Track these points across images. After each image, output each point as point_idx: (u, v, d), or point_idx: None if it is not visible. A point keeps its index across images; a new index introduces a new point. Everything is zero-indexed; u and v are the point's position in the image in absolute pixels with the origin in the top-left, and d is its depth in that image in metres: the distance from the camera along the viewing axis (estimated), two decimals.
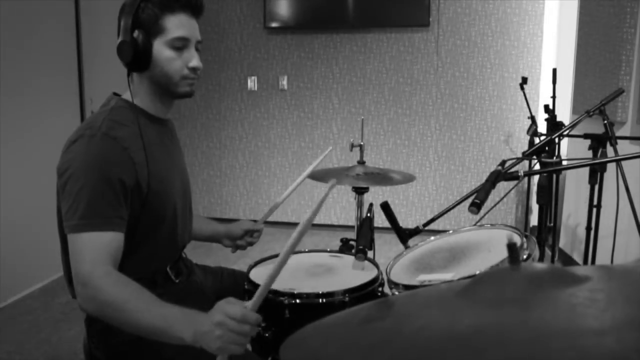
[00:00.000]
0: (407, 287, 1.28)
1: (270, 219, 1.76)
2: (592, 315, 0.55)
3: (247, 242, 1.70)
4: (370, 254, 1.45)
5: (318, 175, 1.96)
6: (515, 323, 0.54)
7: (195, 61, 1.32)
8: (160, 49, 1.29)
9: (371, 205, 1.54)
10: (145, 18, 1.27)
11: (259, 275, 1.52)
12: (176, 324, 1.06)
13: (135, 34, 1.27)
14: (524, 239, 1.30)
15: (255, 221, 1.72)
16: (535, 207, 3.98)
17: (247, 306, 1.05)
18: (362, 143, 2.07)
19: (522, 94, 3.56)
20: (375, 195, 4.37)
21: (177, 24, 1.28)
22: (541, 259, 2.93)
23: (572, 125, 1.88)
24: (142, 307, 1.10)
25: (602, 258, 2.52)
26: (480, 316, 0.57)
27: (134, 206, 1.27)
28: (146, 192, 1.28)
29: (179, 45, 1.29)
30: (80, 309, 1.17)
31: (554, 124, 3.06)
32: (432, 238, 1.57)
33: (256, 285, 1.44)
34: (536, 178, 3.76)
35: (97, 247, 1.17)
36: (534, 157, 1.74)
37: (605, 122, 2.07)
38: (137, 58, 1.28)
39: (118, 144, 1.23)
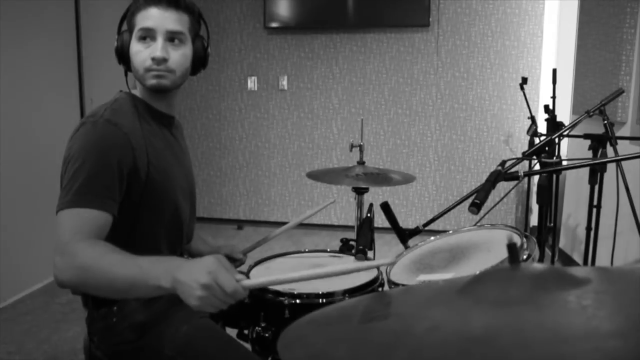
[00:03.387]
0: None
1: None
2: (607, 318, 0.55)
3: None
4: (370, 254, 1.45)
5: (318, 175, 1.96)
6: (532, 324, 0.54)
7: (155, 51, 1.28)
8: (133, 45, 1.32)
9: (371, 205, 1.53)
10: (127, 20, 1.34)
11: (259, 275, 1.52)
12: (152, 271, 1.03)
13: (124, 35, 1.34)
14: (524, 239, 1.29)
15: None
16: (535, 207, 3.98)
17: (239, 280, 1.00)
18: (361, 143, 2.07)
19: (522, 94, 3.57)
20: (375, 195, 4.37)
21: (144, 17, 1.30)
22: (541, 259, 2.92)
23: (572, 126, 1.88)
24: (116, 261, 1.07)
25: (602, 258, 2.51)
26: (491, 317, 0.57)
27: (132, 193, 1.26)
28: (145, 180, 1.27)
29: (143, 35, 1.30)
30: (58, 284, 1.13)
31: (554, 124, 3.06)
32: (432, 238, 1.56)
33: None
34: (536, 178, 3.76)
35: (82, 221, 1.15)
36: (534, 157, 1.73)
37: (605, 122, 2.07)
38: (119, 56, 1.35)
39: (119, 130, 1.24)
